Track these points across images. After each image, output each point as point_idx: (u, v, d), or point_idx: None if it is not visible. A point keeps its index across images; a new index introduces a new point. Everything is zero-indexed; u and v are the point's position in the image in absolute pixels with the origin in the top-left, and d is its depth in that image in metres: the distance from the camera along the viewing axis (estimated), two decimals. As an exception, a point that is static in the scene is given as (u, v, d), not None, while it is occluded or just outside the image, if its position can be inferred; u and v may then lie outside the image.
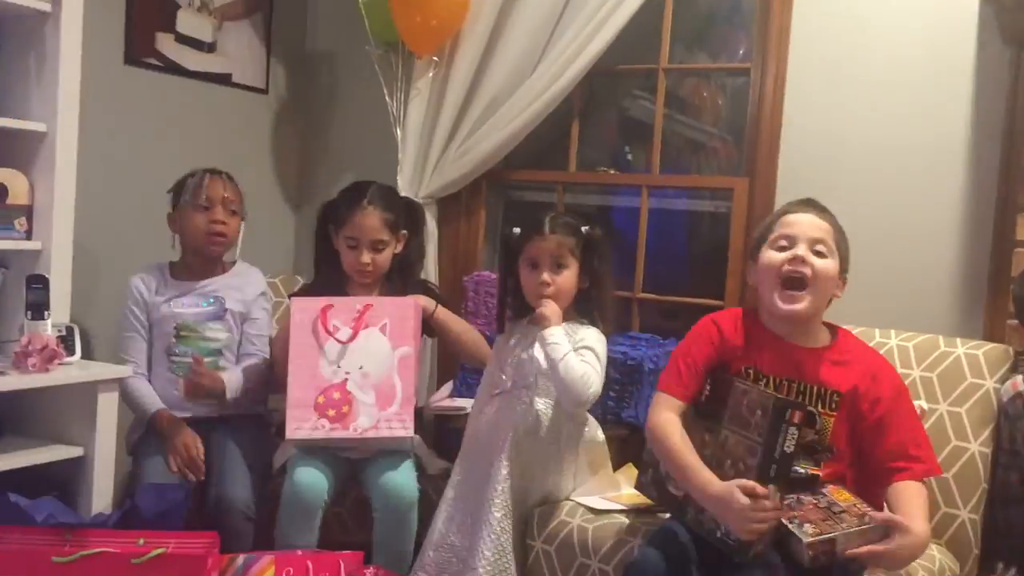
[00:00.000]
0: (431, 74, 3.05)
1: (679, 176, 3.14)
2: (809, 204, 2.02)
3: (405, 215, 2.59)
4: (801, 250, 1.92)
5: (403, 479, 2.34)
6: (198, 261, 2.60)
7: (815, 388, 1.94)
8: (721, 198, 3.01)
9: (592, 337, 2.26)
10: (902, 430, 1.91)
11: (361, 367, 2.38)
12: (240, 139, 3.29)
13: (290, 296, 2.64)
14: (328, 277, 2.57)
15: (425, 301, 2.48)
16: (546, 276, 2.25)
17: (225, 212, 2.58)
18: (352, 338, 2.38)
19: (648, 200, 3.05)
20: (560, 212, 2.33)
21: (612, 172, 3.26)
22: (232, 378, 2.51)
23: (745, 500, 1.75)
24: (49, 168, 2.36)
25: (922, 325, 2.44)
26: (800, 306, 1.93)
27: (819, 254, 1.94)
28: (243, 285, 2.64)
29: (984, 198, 2.49)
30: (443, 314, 2.52)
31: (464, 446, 2.35)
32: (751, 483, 1.76)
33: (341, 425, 2.34)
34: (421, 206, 2.87)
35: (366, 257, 2.47)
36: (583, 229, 2.29)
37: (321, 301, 2.40)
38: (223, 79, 3.23)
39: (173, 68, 3.06)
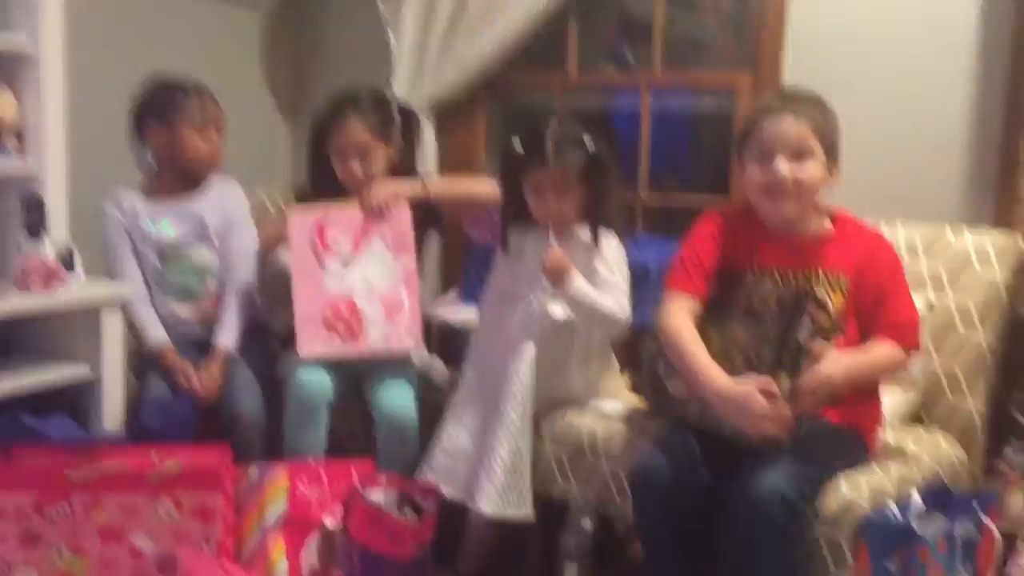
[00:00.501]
0: (423, -25, 2.96)
1: (680, 73, 3.06)
2: (789, 100, 1.96)
3: (395, 120, 2.52)
4: (779, 164, 1.90)
5: (403, 398, 2.34)
6: (180, 179, 2.55)
7: (822, 274, 1.94)
8: (725, 97, 2.94)
9: (612, 258, 2.26)
10: (890, 305, 1.92)
11: (366, 279, 2.38)
12: (231, 51, 3.22)
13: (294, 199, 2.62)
14: (325, 190, 2.52)
15: (411, 189, 2.41)
16: (553, 205, 2.23)
17: (217, 133, 2.54)
18: (355, 251, 2.37)
19: (649, 100, 2.98)
20: (562, 125, 2.25)
21: (612, 70, 3.18)
22: (228, 337, 2.48)
23: (765, 403, 1.77)
24: (36, 85, 2.30)
25: (931, 214, 2.41)
26: (785, 210, 1.94)
27: (800, 156, 1.90)
28: (223, 203, 2.58)
29: (995, 81, 2.42)
30: (438, 187, 2.46)
31: (474, 352, 2.36)
32: (769, 384, 1.78)
33: (352, 341, 2.34)
34: (412, 111, 2.79)
35: (354, 165, 2.43)
36: (588, 147, 2.22)
37: (315, 214, 2.37)
38: (210, -9, 3.14)
39: (157, -20, 2.97)
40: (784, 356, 1.80)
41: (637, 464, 1.97)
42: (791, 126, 1.91)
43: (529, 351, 2.19)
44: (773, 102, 1.98)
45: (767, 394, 1.77)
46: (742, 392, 1.80)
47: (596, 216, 2.28)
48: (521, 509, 2.15)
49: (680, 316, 1.97)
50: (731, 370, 1.86)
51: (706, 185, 2.97)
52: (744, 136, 1.99)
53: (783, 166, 1.90)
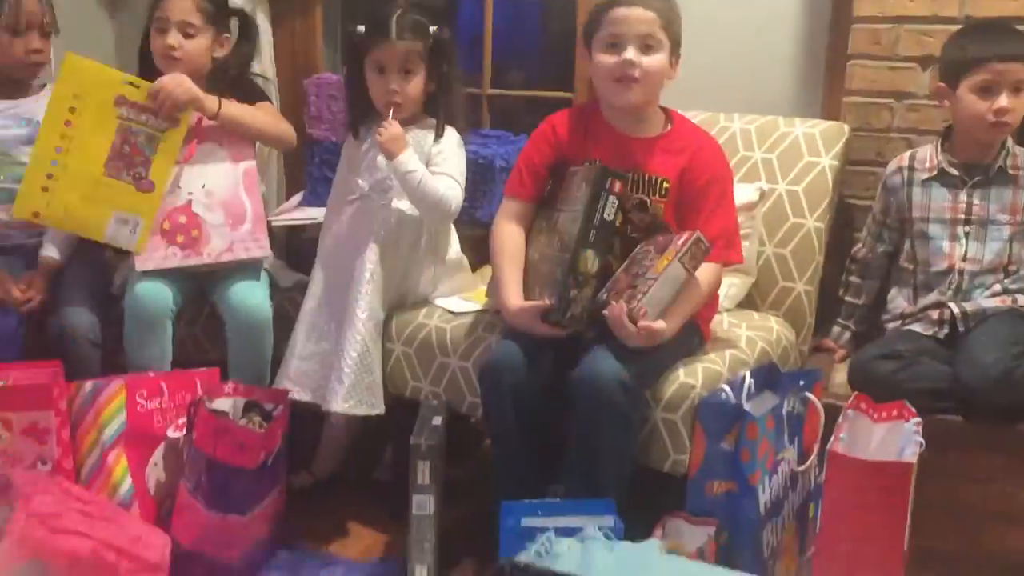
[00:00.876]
0: None
1: (524, -38, 3.00)
2: None
3: (229, 17, 2.39)
4: (630, 53, 1.93)
5: (255, 297, 2.28)
6: (4, 82, 2.37)
7: (648, 177, 1.99)
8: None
9: (449, 147, 2.22)
10: (703, 217, 1.97)
11: (204, 185, 2.26)
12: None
13: None
14: (149, 76, 2.36)
15: (206, 103, 2.25)
16: (394, 84, 2.17)
17: (40, 37, 2.34)
18: (188, 156, 2.25)
19: (493, -9, 2.92)
20: (406, 9, 2.19)
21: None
22: (53, 246, 2.32)
23: (543, 328, 1.90)
24: None
25: (765, 107, 2.48)
26: (632, 96, 1.97)
27: (648, 47, 1.94)
28: None
29: (822, -26, 2.48)
30: (230, 112, 2.30)
31: (321, 254, 2.31)
32: (541, 306, 1.89)
33: (193, 251, 2.24)
34: (255, 22, 2.63)
35: (172, 39, 2.27)
36: (432, 30, 2.19)
37: None
38: None
39: None
40: (589, 233, 1.87)
41: (484, 360, 2.00)
42: (641, 15, 1.93)
43: (373, 249, 2.17)
44: None
45: (544, 315, 1.88)
46: (525, 316, 1.92)
47: (439, 106, 2.24)
48: (372, 407, 2.16)
49: (507, 226, 2.08)
50: (554, 251, 1.94)
51: (552, 79, 2.95)
52: (591, 25, 2.00)
53: (633, 54, 1.92)
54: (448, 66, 2.23)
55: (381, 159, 2.19)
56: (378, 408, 2.17)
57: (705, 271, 1.93)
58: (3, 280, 2.24)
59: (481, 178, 2.61)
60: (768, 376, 1.95)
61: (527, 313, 1.92)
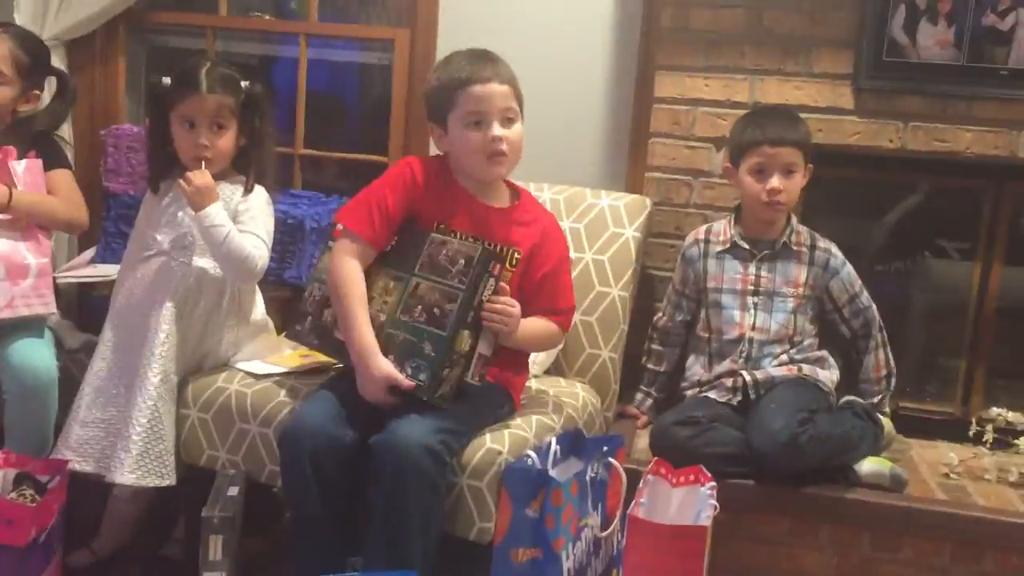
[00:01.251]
0: None
1: (337, 25, 3.00)
2: (487, 64, 1.96)
3: (46, 75, 2.29)
4: (496, 129, 1.93)
5: (38, 356, 2.12)
6: None
7: (500, 247, 1.95)
8: (386, 50, 2.92)
9: (257, 205, 2.15)
10: (556, 292, 2.03)
11: None
12: None
13: None
14: None
15: None
16: (204, 139, 2.09)
17: None
18: None
19: (308, 50, 2.89)
20: (215, 63, 2.15)
21: (268, 18, 3.05)
22: None
23: (389, 399, 1.85)
24: None
25: (573, 179, 2.56)
26: (503, 170, 1.99)
27: (509, 120, 1.96)
28: None
29: (627, 56, 2.60)
30: (17, 200, 2.17)
31: (113, 312, 2.17)
32: (401, 383, 1.83)
33: None
34: (74, 86, 2.46)
35: None
36: (243, 85, 2.13)
37: None
38: None
39: None
40: (468, 314, 1.85)
41: (284, 425, 1.92)
42: (500, 90, 1.93)
43: (169, 308, 2.06)
44: (476, 68, 1.94)
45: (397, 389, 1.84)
46: (382, 383, 1.85)
47: (249, 162, 2.18)
48: (162, 478, 2.02)
49: (351, 264, 1.93)
50: (414, 321, 1.87)
51: (367, 144, 2.94)
52: (444, 103, 1.96)
53: (499, 130, 1.93)
54: (260, 122, 2.18)
55: (182, 214, 2.10)
56: (168, 479, 2.03)
57: (549, 326, 2.01)
58: None
59: (291, 238, 2.56)
60: (574, 442, 1.96)
61: (387, 381, 1.84)
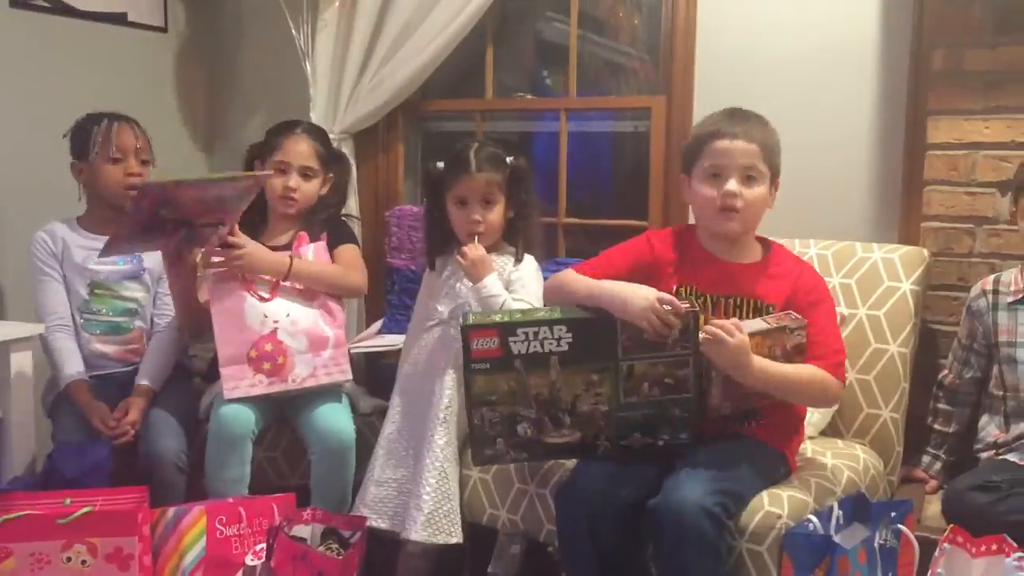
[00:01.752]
0: (337, 4, 2.95)
1: (596, 98, 3.10)
2: (739, 121, 1.99)
3: (334, 159, 2.55)
4: (732, 185, 1.95)
5: (340, 420, 2.32)
6: (110, 213, 2.49)
7: (752, 302, 1.98)
8: (640, 117, 2.99)
9: (528, 274, 2.27)
10: (816, 338, 1.95)
11: (288, 314, 2.33)
12: (141, 81, 3.15)
13: None
14: (250, 211, 2.47)
15: (277, 269, 2.35)
16: (477, 215, 2.25)
17: (137, 162, 2.47)
18: (272, 295, 2.34)
19: (567, 124, 3.02)
20: (483, 143, 2.32)
21: (529, 97, 3.22)
22: (151, 376, 2.42)
23: (653, 297, 1.85)
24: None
25: (840, 232, 2.48)
26: (733, 226, 1.98)
27: (750, 179, 1.96)
28: None
29: (895, 102, 2.50)
30: (297, 269, 2.39)
31: (400, 379, 2.35)
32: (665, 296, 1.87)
33: (278, 378, 2.29)
34: (349, 162, 2.81)
35: (293, 181, 2.43)
36: (508, 161, 2.28)
37: None
38: (118, 18, 3.08)
39: (62, 9, 2.90)
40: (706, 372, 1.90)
41: (560, 486, 1.98)
42: (744, 147, 1.95)
43: (451, 375, 2.19)
44: (724, 123, 1.99)
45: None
46: (646, 294, 1.86)
47: (518, 233, 2.31)
48: (450, 536, 2.13)
49: (575, 283, 2.01)
50: (639, 399, 1.92)
51: (626, 207, 3.00)
52: (692, 154, 2.02)
53: (735, 186, 1.94)
54: (526, 194, 2.31)
55: (460, 286, 2.24)
56: (456, 537, 2.14)
57: (808, 368, 1.92)
58: (102, 412, 2.31)
59: (556, 306, 2.64)
60: (857, 507, 1.88)
61: (654, 294, 1.86)
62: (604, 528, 1.86)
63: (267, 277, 2.34)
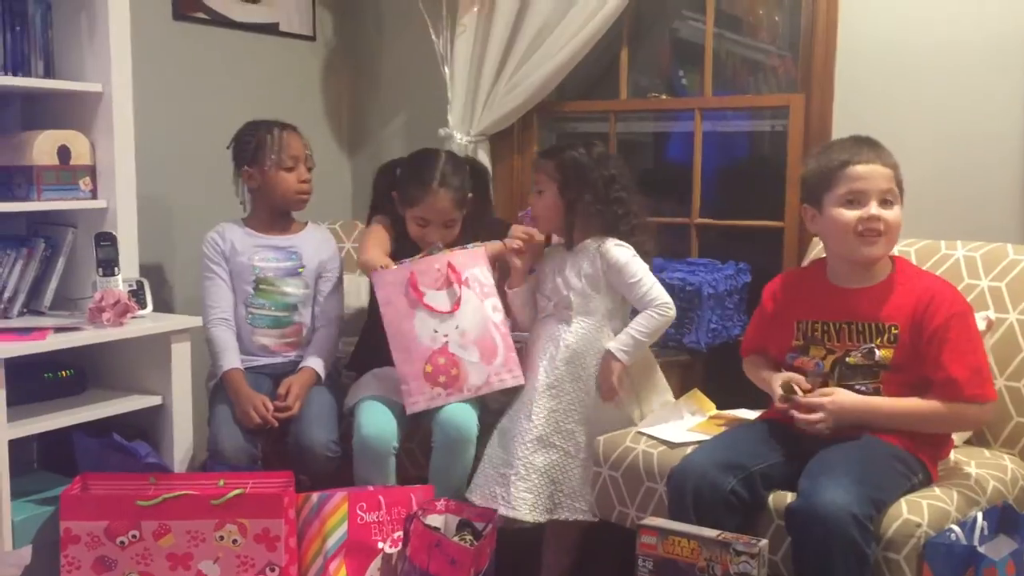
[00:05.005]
0: (476, 9, 3.02)
1: (732, 97, 3.07)
2: (868, 147, 2.00)
3: (471, 180, 2.59)
4: (874, 209, 1.96)
5: (464, 415, 2.36)
6: (277, 216, 2.63)
7: (873, 325, 1.98)
8: (778, 116, 2.94)
9: (624, 259, 2.34)
10: (955, 352, 1.91)
11: (458, 327, 2.35)
12: (291, 88, 3.32)
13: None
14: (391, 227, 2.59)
15: (491, 247, 2.46)
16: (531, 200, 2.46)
17: (306, 169, 2.61)
18: (456, 307, 2.35)
19: (702, 123, 3.00)
20: (566, 144, 2.51)
21: (664, 97, 3.22)
22: (318, 362, 2.55)
23: (778, 388, 2.00)
24: (108, 127, 2.42)
25: (990, 234, 2.38)
26: (877, 251, 1.99)
27: (887, 203, 1.97)
28: (318, 244, 2.66)
29: (1048, 96, 2.39)
30: (493, 247, 2.48)
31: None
32: (797, 377, 2.00)
33: (455, 388, 2.34)
34: (486, 168, 2.88)
35: (436, 235, 2.49)
36: (563, 153, 2.39)
37: (403, 268, 2.36)
38: (270, 28, 3.25)
39: (221, 21, 3.09)
40: None
41: (671, 472, 2.00)
42: (882, 171, 1.97)
43: (546, 366, 2.34)
44: (855, 150, 2.00)
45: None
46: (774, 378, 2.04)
47: (572, 221, 2.39)
48: (530, 515, 2.23)
49: (753, 368, 2.21)
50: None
51: (762, 208, 2.96)
52: (823, 183, 2.01)
53: (877, 210, 1.95)
54: (576, 182, 2.37)
55: (558, 278, 2.39)
56: (533, 517, 2.24)
57: (949, 409, 1.91)
58: (252, 400, 2.40)
59: (688, 305, 2.63)
60: (1004, 518, 1.81)
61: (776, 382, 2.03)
62: (710, 511, 1.87)
63: (441, 291, 2.37)
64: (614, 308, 2.38)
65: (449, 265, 2.37)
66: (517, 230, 2.45)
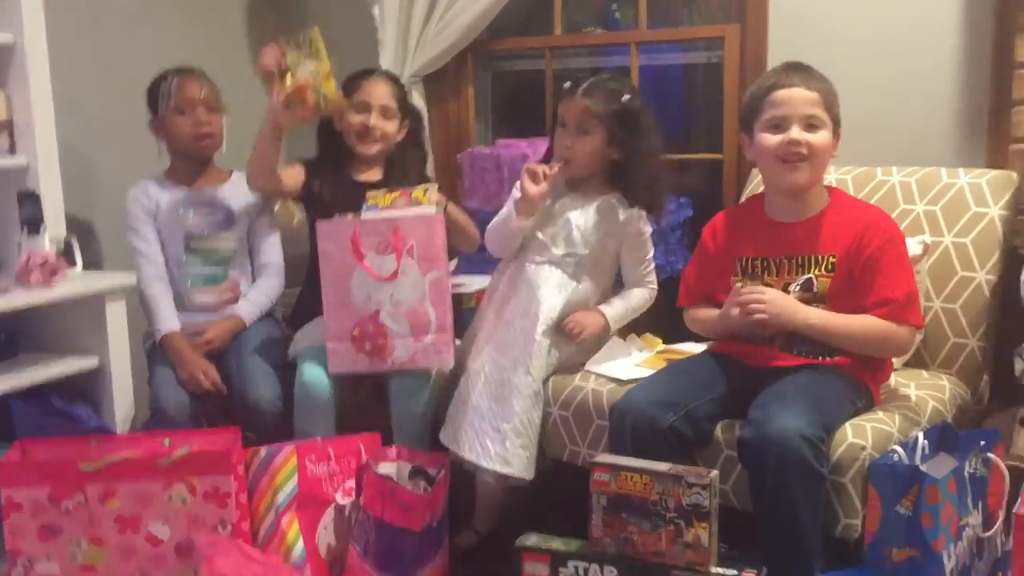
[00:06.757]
0: (403, -53, 2.94)
1: (667, 30, 3.05)
2: (795, 71, 2.01)
3: (409, 107, 2.59)
4: (795, 132, 1.96)
5: (421, 402, 2.33)
6: (192, 165, 2.55)
7: (811, 257, 2.00)
8: (713, 48, 2.93)
9: (645, 236, 2.34)
10: (876, 282, 1.94)
11: (392, 295, 2.27)
12: (213, 32, 3.19)
13: (303, 164, 2.58)
14: (330, 152, 2.56)
15: (439, 196, 2.37)
16: (567, 140, 2.28)
17: (206, 111, 2.51)
18: (394, 275, 2.25)
19: (639, 57, 2.97)
20: (604, 77, 2.32)
21: (599, 32, 3.17)
22: (246, 310, 2.52)
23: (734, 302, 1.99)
24: (22, 80, 2.30)
25: (924, 159, 2.41)
26: (800, 176, 1.99)
27: (812, 127, 1.97)
28: (246, 192, 2.57)
29: (980, 22, 2.40)
30: (452, 210, 2.46)
31: (490, 310, 2.38)
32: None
33: (379, 358, 2.28)
34: (421, 114, 2.84)
35: (374, 119, 2.47)
36: (621, 98, 2.26)
37: (348, 223, 2.28)
38: (190, -28, 3.12)
39: (138, -38, 2.95)
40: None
41: (610, 410, 2.03)
42: (804, 94, 1.97)
43: (544, 310, 2.26)
44: (781, 74, 2.01)
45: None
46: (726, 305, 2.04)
47: (623, 177, 2.30)
48: (525, 472, 2.20)
49: (697, 318, 2.20)
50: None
51: (701, 140, 2.96)
52: (751, 110, 2.04)
53: (798, 133, 1.95)
54: (631, 134, 2.27)
55: (574, 226, 2.31)
56: (529, 474, 2.21)
57: (883, 328, 1.93)
58: (191, 366, 2.36)
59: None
60: (944, 437, 1.86)
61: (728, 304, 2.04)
62: (650, 446, 1.89)
63: (380, 256, 2.27)
64: (615, 272, 2.41)
65: (395, 229, 2.26)
66: (540, 167, 2.27)
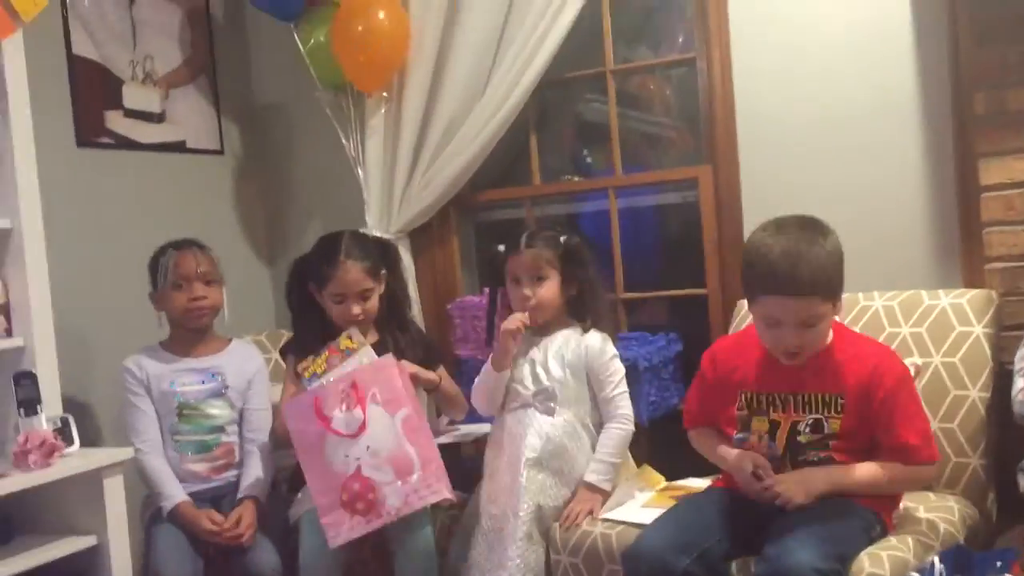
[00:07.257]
0: (383, 110, 3.06)
1: (643, 173, 3.16)
2: (785, 283, 1.88)
3: (381, 257, 2.57)
4: (790, 339, 1.93)
5: (422, 539, 2.30)
6: (188, 334, 2.58)
7: (819, 396, 1.98)
8: (686, 188, 3.02)
9: (615, 365, 2.39)
10: (906, 421, 1.95)
11: (368, 447, 2.24)
12: (203, 203, 3.28)
13: (281, 352, 2.63)
14: (311, 329, 2.53)
15: (427, 375, 2.44)
16: (527, 290, 2.36)
17: (202, 285, 2.55)
18: (361, 430, 2.24)
19: (616, 201, 3.07)
20: (540, 227, 2.47)
21: (576, 179, 3.29)
22: (256, 488, 2.50)
23: (748, 469, 1.97)
24: (19, 263, 2.34)
25: (902, 282, 2.48)
26: (799, 361, 1.98)
27: (808, 324, 1.91)
28: (241, 361, 2.61)
29: (942, 148, 2.52)
30: (447, 384, 2.53)
31: (487, 464, 2.40)
32: (761, 460, 1.97)
33: (374, 514, 2.22)
34: (393, 244, 2.88)
35: (356, 308, 2.44)
36: (560, 240, 2.36)
37: (307, 395, 2.29)
38: (177, 147, 3.22)
39: (126, 143, 3.05)
40: None
41: (623, 556, 2.00)
42: (793, 306, 1.89)
43: (532, 458, 2.28)
44: (768, 280, 1.90)
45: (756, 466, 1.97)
46: (737, 456, 2.03)
47: (585, 308, 2.39)
48: None
49: (702, 442, 2.19)
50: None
51: (683, 276, 3.02)
52: (747, 289, 1.99)
53: (793, 340, 1.93)
54: (582, 268, 2.39)
55: (539, 368, 2.38)
56: None
57: (906, 472, 1.95)
58: (214, 516, 2.36)
59: (627, 380, 2.65)
60: (959, 559, 1.84)
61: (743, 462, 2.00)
62: None
63: (347, 413, 2.26)
64: (592, 398, 2.40)
65: (353, 384, 2.26)
66: (515, 317, 2.36)
